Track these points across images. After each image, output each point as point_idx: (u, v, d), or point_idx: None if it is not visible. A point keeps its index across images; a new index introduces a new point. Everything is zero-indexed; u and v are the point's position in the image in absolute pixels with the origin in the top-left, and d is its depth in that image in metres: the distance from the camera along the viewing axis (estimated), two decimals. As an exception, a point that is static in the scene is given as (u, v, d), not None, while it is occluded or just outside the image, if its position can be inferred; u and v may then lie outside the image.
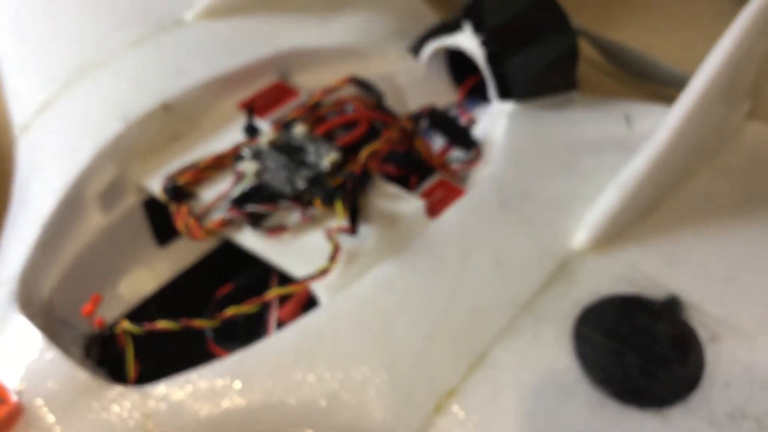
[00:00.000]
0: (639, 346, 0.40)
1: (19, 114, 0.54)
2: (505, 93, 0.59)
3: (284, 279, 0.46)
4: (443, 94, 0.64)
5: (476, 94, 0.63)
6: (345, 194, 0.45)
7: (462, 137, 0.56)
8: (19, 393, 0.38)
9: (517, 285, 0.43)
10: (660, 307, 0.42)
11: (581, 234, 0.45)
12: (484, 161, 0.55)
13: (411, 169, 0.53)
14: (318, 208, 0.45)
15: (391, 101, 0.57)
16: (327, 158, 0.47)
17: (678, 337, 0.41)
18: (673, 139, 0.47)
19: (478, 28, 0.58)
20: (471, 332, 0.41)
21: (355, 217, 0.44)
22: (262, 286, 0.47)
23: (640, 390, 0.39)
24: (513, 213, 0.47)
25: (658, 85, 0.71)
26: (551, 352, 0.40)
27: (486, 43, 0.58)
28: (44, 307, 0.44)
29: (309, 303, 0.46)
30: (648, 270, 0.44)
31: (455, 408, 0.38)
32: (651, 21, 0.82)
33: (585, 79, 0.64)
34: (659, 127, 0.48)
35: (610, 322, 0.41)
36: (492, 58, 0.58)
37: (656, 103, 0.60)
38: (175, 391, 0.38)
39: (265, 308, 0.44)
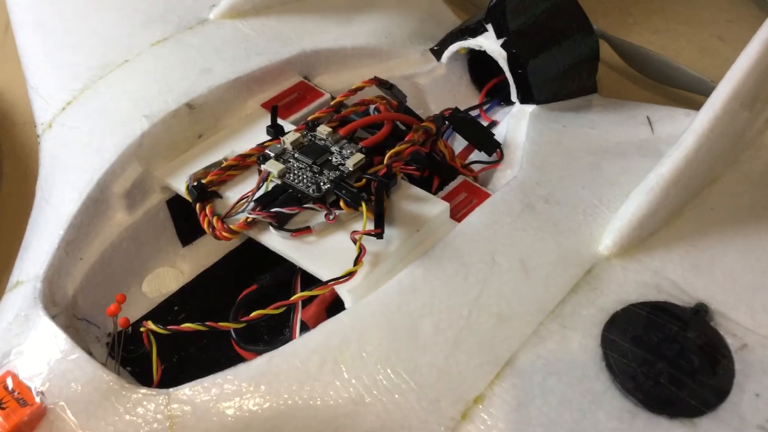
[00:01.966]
0: (668, 354, 0.40)
1: (42, 112, 0.54)
2: (526, 95, 0.58)
3: (307, 280, 0.45)
4: (464, 96, 0.64)
5: (496, 97, 0.63)
6: (370, 196, 0.45)
7: (484, 139, 0.55)
8: (42, 394, 0.38)
9: (544, 290, 0.42)
10: (688, 315, 0.42)
11: (607, 239, 0.45)
12: (506, 164, 0.54)
13: (433, 171, 0.52)
14: (343, 209, 0.45)
15: (411, 102, 0.57)
16: (352, 159, 0.47)
17: (707, 345, 0.40)
18: (700, 143, 0.47)
19: (501, 30, 0.58)
20: (497, 338, 0.40)
21: (381, 220, 0.44)
22: (285, 287, 0.47)
23: (669, 399, 0.38)
24: (538, 217, 0.46)
25: (678, 88, 0.70)
26: (579, 360, 0.40)
27: (508, 45, 0.58)
28: (68, 306, 0.44)
29: (333, 306, 0.45)
30: (675, 277, 0.44)
31: (482, 415, 0.38)
32: (669, 24, 0.82)
33: (603, 81, 0.64)
34: (686, 131, 0.48)
35: (638, 330, 0.41)
36: (514, 60, 0.58)
37: (676, 106, 0.60)
38: (201, 393, 0.38)
39: (287, 309, 0.44)
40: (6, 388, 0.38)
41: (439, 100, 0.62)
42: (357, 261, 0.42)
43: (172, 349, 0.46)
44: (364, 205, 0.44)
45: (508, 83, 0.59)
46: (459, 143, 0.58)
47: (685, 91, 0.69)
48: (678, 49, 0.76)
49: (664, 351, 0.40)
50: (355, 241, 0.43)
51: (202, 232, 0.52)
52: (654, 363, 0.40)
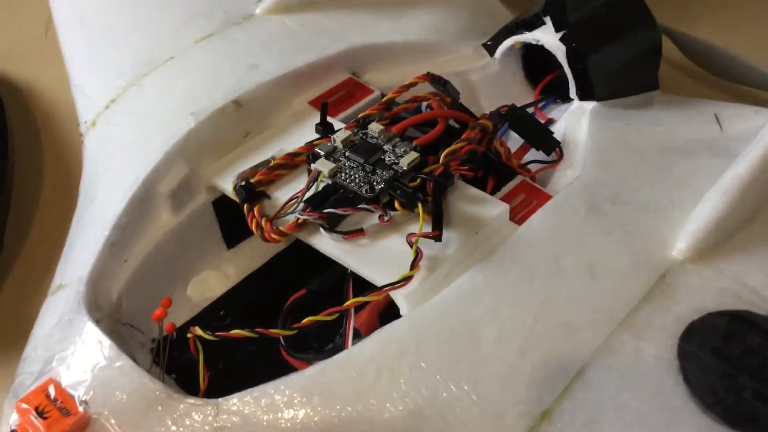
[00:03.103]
0: (751, 367, 0.37)
1: (86, 110, 0.52)
2: (586, 91, 0.55)
3: (358, 284, 0.43)
4: (517, 94, 0.62)
5: (551, 94, 0.60)
6: (426, 197, 0.43)
7: (543, 138, 0.52)
8: (86, 403, 0.36)
9: (614, 298, 0.40)
10: (771, 325, 0.39)
11: (681, 243, 0.42)
12: (566, 163, 0.52)
13: (488, 171, 0.50)
14: (398, 211, 0.43)
15: (463, 100, 0.55)
16: (406, 158, 0.45)
17: (793, 358, 0.37)
18: (780, 142, 0.44)
19: (559, 23, 0.55)
20: (565, 349, 0.38)
21: (439, 221, 0.41)
22: (335, 292, 0.45)
23: (754, 415, 0.35)
24: (605, 219, 0.44)
25: (745, 84, 0.67)
26: (654, 373, 0.37)
27: (567, 39, 0.55)
28: (112, 310, 0.43)
29: (385, 311, 0.43)
30: (755, 283, 0.41)
31: (550, 432, 0.35)
32: (730, 19, 0.78)
33: (663, 78, 0.61)
34: (763, 128, 0.45)
35: (717, 341, 0.38)
36: (573, 54, 0.55)
37: (743, 103, 0.57)
38: (251, 404, 0.36)
39: (339, 316, 0.42)
40: (48, 396, 0.36)
41: (492, 98, 0.60)
42: (414, 265, 0.40)
43: (218, 356, 0.45)
44: (420, 206, 0.42)
45: (563, 80, 0.57)
46: (513, 142, 0.55)
47: (751, 87, 0.66)
48: (739, 45, 0.72)
49: (746, 363, 0.37)
50: (411, 244, 0.41)
51: (247, 234, 0.50)
52: (736, 376, 0.37)
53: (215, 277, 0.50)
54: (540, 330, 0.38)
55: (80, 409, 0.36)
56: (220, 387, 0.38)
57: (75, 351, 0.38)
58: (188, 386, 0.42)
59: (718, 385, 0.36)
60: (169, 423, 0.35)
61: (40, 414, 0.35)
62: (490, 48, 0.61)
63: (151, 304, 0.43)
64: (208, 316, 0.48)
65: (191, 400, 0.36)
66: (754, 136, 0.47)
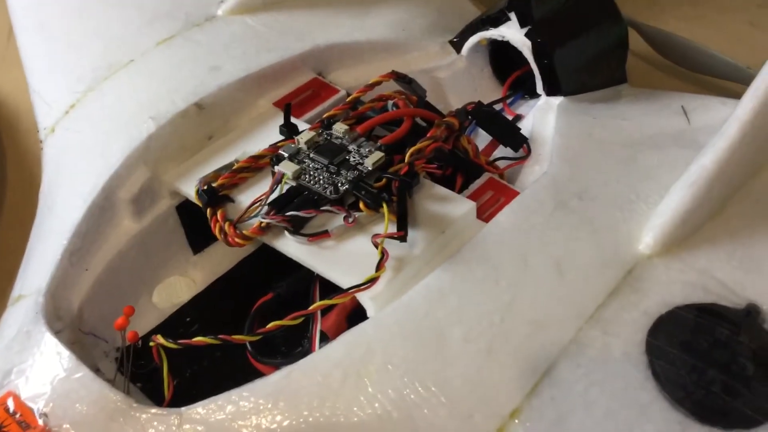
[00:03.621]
0: (720, 360, 0.37)
1: (45, 117, 0.51)
2: (553, 86, 0.55)
3: (325, 287, 0.43)
4: (485, 90, 0.61)
5: (519, 90, 0.60)
6: (391, 197, 0.42)
7: (510, 134, 0.52)
8: (46, 416, 0.35)
9: (582, 294, 0.39)
10: (739, 318, 0.38)
11: (648, 237, 0.42)
12: (534, 159, 0.51)
13: (456, 169, 0.50)
14: (363, 211, 0.42)
15: (430, 97, 0.54)
16: (371, 158, 0.44)
17: (762, 350, 0.37)
18: (745, 131, 0.43)
19: (525, 19, 0.55)
20: (533, 346, 0.37)
21: (404, 221, 0.41)
22: (302, 295, 0.45)
23: (723, 410, 0.35)
24: (572, 215, 0.43)
25: (711, 76, 0.67)
26: (623, 369, 0.37)
27: (533, 34, 0.55)
28: (73, 320, 0.42)
29: (354, 314, 0.43)
30: (722, 276, 0.41)
31: (520, 431, 0.35)
32: (697, 11, 0.79)
33: (631, 71, 0.61)
34: (728, 119, 0.44)
35: (685, 335, 0.38)
36: (539, 50, 0.55)
37: (710, 94, 0.57)
38: (215, 412, 0.35)
39: (305, 319, 0.41)
40: (7, 410, 0.35)
41: (460, 95, 0.59)
42: (379, 266, 0.39)
43: (185, 363, 0.44)
44: (385, 206, 0.41)
45: (531, 75, 0.57)
46: (481, 140, 0.55)
47: (718, 78, 0.66)
48: (708, 36, 0.72)
49: (715, 357, 0.37)
50: (376, 245, 0.40)
51: (214, 239, 0.49)
52: (705, 370, 0.36)
53: (182, 283, 0.49)
54: (507, 328, 0.38)
55: (40, 422, 0.35)
56: (188, 395, 0.37)
57: (34, 363, 0.37)
58: (155, 395, 0.41)
59: (686, 379, 0.36)
60: (132, 434, 0.35)
61: (-2, 428, 0.34)
62: (457, 45, 0.60)
63: (114, 313, 0.42)
64: (175, 323, 0.47)
65: (153, 410, 0.35)
66: (720, 127, 0.47)
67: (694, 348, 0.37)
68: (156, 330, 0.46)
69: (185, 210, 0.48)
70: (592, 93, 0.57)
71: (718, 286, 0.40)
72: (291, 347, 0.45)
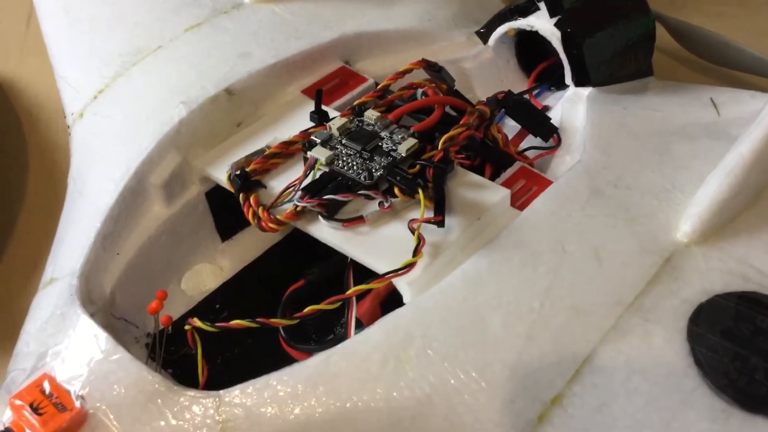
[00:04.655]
0: (762, 348, 0.36)
1: (72, 102, 0.51)
2: (582, 77, 0.55)
3: (359, 273, 0.42)
4: (511, 81, 0.61)
5: (545, 81, 0.60)
6: (427, 183, 0.42)
7: (541, 124, 0.52)
8: (82, 398, 0.35)
9: (621, 281, 0.39)
10: (781, 306, 0.38)
11: (686, 225, 0.41)
12: (564, 149, 0.51)
13: (485, 159, 0.49)
14: (398, 197, 0.42)
15: (457, 87, 0.54)
16: (404, 145, 0.44)
17: (805, 338, 0.37)
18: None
19: (554, 9, 0.55)
20: (573, 333, 0.37)
21: (441, 206, 0.40)
22: (333, 282, 0.44)
23: (767, 397, 0.35)
24: (608, 203, 0.43)
25: (737, 70, 0.67)
26: (665, 356, 0.36)
27: (562, 24, 0.54)
28: (105, 304, 0.41)
29: (386, 302, 0.42)
30: (762, 265, 0.40)
31: (561, 418, 0.34)
32: (721, 8, 0.78)
33: (657, 64, 0.61)
34: (765, 109, 0.44)
35: (727, 323, 0.37)
36: (568, 40, 0.54)
37: (738, 88, 0.57)
38: (253, 396, 0.35)
39: (340, 306, 0.41)
40: (43, 392, 0.35)
41: (486, 86, 0.59)
42: (416, 251, 0.39)
43: (216, 349, 0.43)
44: (421, 191, 0.41)
45: (557, 68, 0.56)
46: (509, 130, 0.55)
47: (745, 72, 0.66)
48: (730, 31, 0.72)
49: (757, 344, 0.37)
50: (413, 231, 0.40)
51: (242, 226, 0.49)
52: (747, 358, 0.36)
53: (209, 271, 0.48)
54: (547, 314, 0.37)
55: (77, 404, 0.35)
56: (221, 383, 0.36)
57: (69, 345, 0.37)
58: (185, 381, 0.41)
59: (729, 367, 0.36)
60: (170, 416, 0.34)
61: (35, 410, 0.34)
62: (484, 35, 0.60)
63: (144, 298, 0.41)
64: (204, 310, 0.46)
65: (192, 393, 0.35)
66: (754, 118, 0.47)
67: (735, 335, 0.37)
68: (185, 317, 0.46)
69: (214, 197, 0.47)
70: (621, 84, 0.56)
71: (758, 275, 0.40)
72: (322, 335, 0.44)
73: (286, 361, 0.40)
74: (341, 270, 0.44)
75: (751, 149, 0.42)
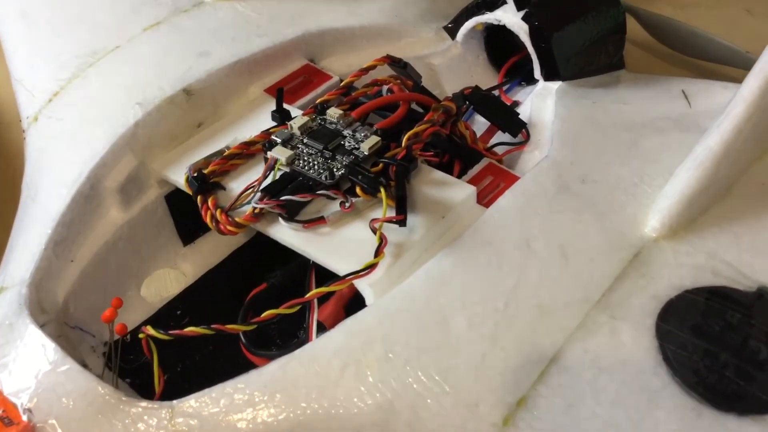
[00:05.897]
0: (732, 344, 0.35)
1: (27, 106, 0.50)
2: (551, 71, 0.54)
3: (321, 277, 0.41)
4: (481, 77, 0.60)
5: (516, 77, 0.59)
6: (389, 181, 0.41)
7: (509, 119, 0.51)
8: (30, 411, 0.34)
9: (588, 278, 0.38)
10: (750, 300, 0.37)
11: (654, 220, 0.41)
12: (533, 145, 0.50)
13: (453, 156, 0.48)
14: (359, 197, 0.41)
15: (425, 85, 0.53)
16: (367, 143, 0.43)
17: (775, 333, 0.36)
18: (750, 113, 0.42)
19: (521, 2, 0.54)
20: (539, 333, 0.36)
21: (403, 205, 0.39)
22: (297, 285, 0.43)
23: (737, 395, 0.34)
24: (575, 198, 0.42)
25: (709, 61, 0.66)
26: (632, 354, 0.35)
27: (530, 17, 0.53)
28: (58, 313, 0.40)
29: (351, 304, 0.41)
30: (731, 258, 0.39)
31: (527, 420, 0.33)
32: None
33: (629, 57, 0.60)
34: (732, 100, 0.43)
35: (696, 319, 0.36)
36: (536, 33, 0.53)
37: (711, 80, 0.56)
38: (208, 405, 0.34)
39: (301, 309, 0.40)
40: (-11, 406, 0.34)
41: (455, 82, 0.58)
42: (378, 252, 0.38)
43: (175, 357, 0.42)
44: (383, 190, 0.40)
45: (527, 63, 0.55)
46: (478, 126, 0.54)
47: (716, 63, 0.65)
48: (704, 24, 0.71)
49: (727, 341, 0.36)
50: (374, 231, 0.39)
51: (205, 230, 0.48)
52: (717, 354, 0.35)
53: (171, 276, 0.47)
54: (512, 314, 0.36)
55: (24, 417, 0.33)
56: (179, 391, 0.35)
57: (17, 356, 0.35)
58: (144, 391, 0.40)
59: (699, 364, 0.35)
60: (120, 429, 0.33)
61: (-20, 425, 0.33)
62: (452, 30, 0.59)
63: (101, 306, 0.40)
64: (165, 317, 0.45)
65: (144, 404, 0.34)
66: (725, 110, 0.46)
67: (705, 332, 0.36)
68: (146, 323, 0.44)
69: (174, 200, 0.46)
70: (591, 78, 0.56)
71: (728, 269, 0.39)
72: (286, 340, 0.43)
73: (248, 368, 0.39)
74: (304, 274, 0.43)
75: (720, 142, 0.42)
